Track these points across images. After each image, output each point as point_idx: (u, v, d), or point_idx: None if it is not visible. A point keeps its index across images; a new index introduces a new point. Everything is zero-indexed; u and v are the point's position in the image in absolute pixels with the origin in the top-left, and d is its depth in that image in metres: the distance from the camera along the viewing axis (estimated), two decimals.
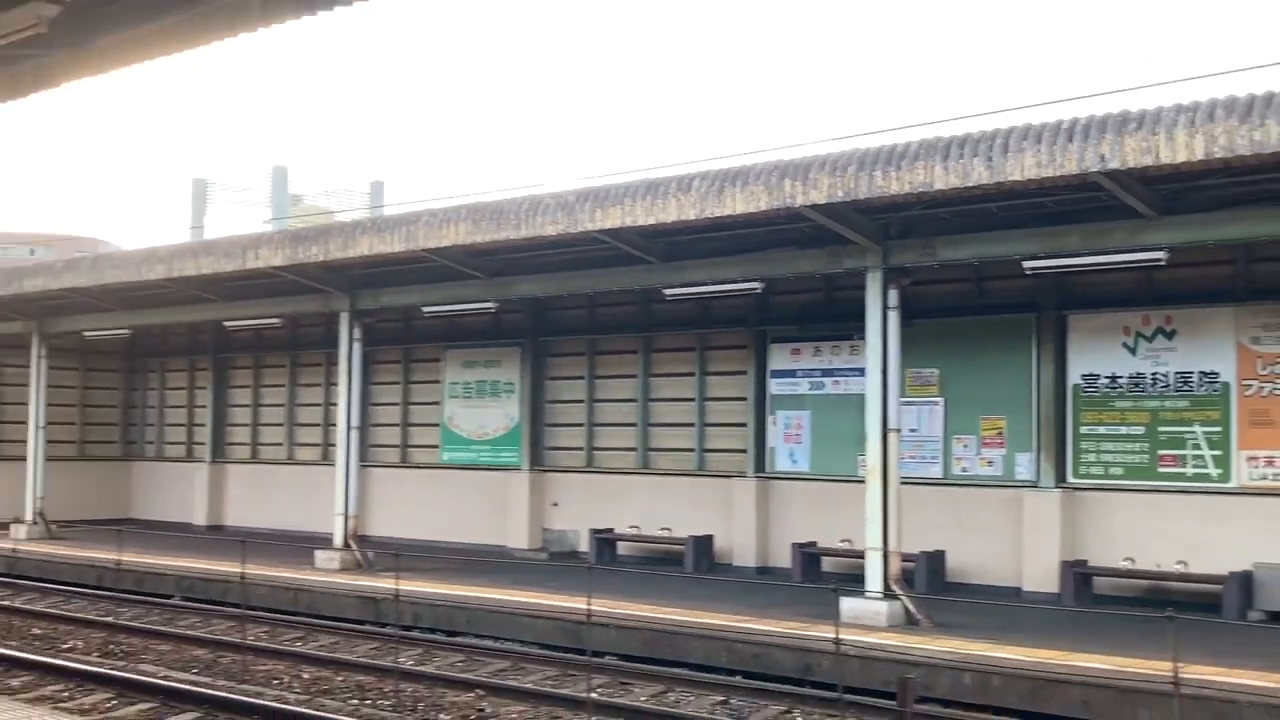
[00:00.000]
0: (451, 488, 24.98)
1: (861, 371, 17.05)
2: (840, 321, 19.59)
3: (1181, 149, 11.90)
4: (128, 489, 31.28)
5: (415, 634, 16.26)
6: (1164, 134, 12.00)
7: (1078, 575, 16.91)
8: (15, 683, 13.85)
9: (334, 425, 23.15)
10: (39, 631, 17.60)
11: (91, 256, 26.12)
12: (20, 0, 6.67)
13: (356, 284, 21.27)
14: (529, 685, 13.68)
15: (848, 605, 14.27)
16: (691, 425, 22.11)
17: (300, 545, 22.49)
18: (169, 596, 20.07)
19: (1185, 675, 9.97)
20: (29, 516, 26.44)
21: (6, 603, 19.45)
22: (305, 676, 14.40)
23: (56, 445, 28.29)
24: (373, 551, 21.17)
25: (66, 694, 13.32)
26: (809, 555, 19.31)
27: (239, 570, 17.07)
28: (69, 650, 16.14)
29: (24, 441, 27.36)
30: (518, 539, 23.59)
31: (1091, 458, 17.67)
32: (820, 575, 18.89)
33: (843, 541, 18.83)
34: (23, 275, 25.26)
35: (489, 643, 15.97)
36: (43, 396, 27.16)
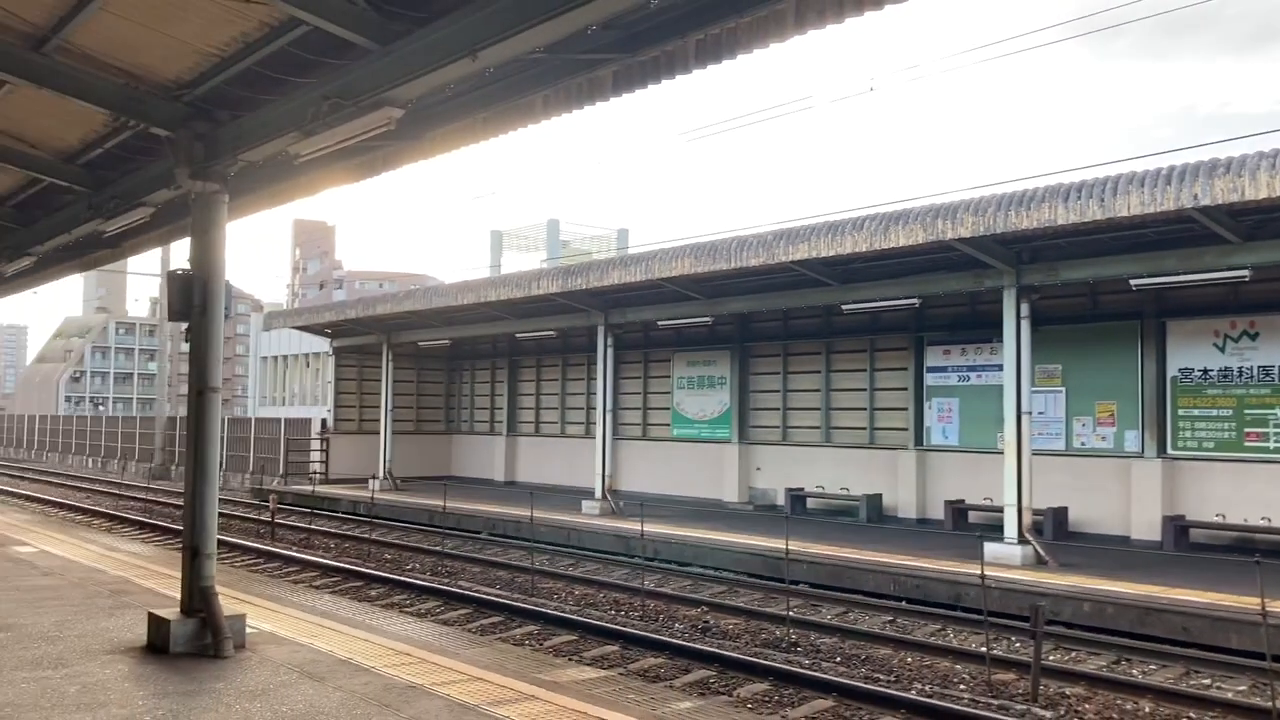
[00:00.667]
0: (679, 456, 25.15)
1: (999, 367, 16.63)
2: (982, 328, 19.07)
3: (1263, 187, 11.23)
4: (449, 454, 32.46)
5: (655, 564, 16.46)
6: (1248, 176, 11.34)
7: (1177, 527, 16.00)
8: (373, 593, 14.59)
9: (594, 409, 23.60)
10: (389, 557, 18.45)
11: (423, 288, 27.22)
12: (377, 105, 6.96)
13: (609, 305, 21.64)
14: (741, 604, 13.70)
15: (989, 549, 13.84)
16: (864, 409, 21.73)
17: (570, 496, 23.00)
18: (478, 533, 20.77)
19: (1271, 608, 9.35)
20: (381, 474, 27.74)
21: (366, 535, 20.40)
22: (576, 593, 14.74)
23: (399, 423, 29.59)
24: (623, 502, 21.49)
25: (409, 601, 13.96)
26: (958, 510, 18.76)
27: (528, 514, 17.60)
28: (410, 570, 16.88)
29: (378, 420, 28.74)
30: (730, 495, 23.60)
31: (1188, 434, 16.67)
32: (967, 526, 18.33)
33: (985, 499, 18.27)
34: (376, 302, 26.57)
35: (710, 572, 16.05)
36: (390, 388, 28.48)
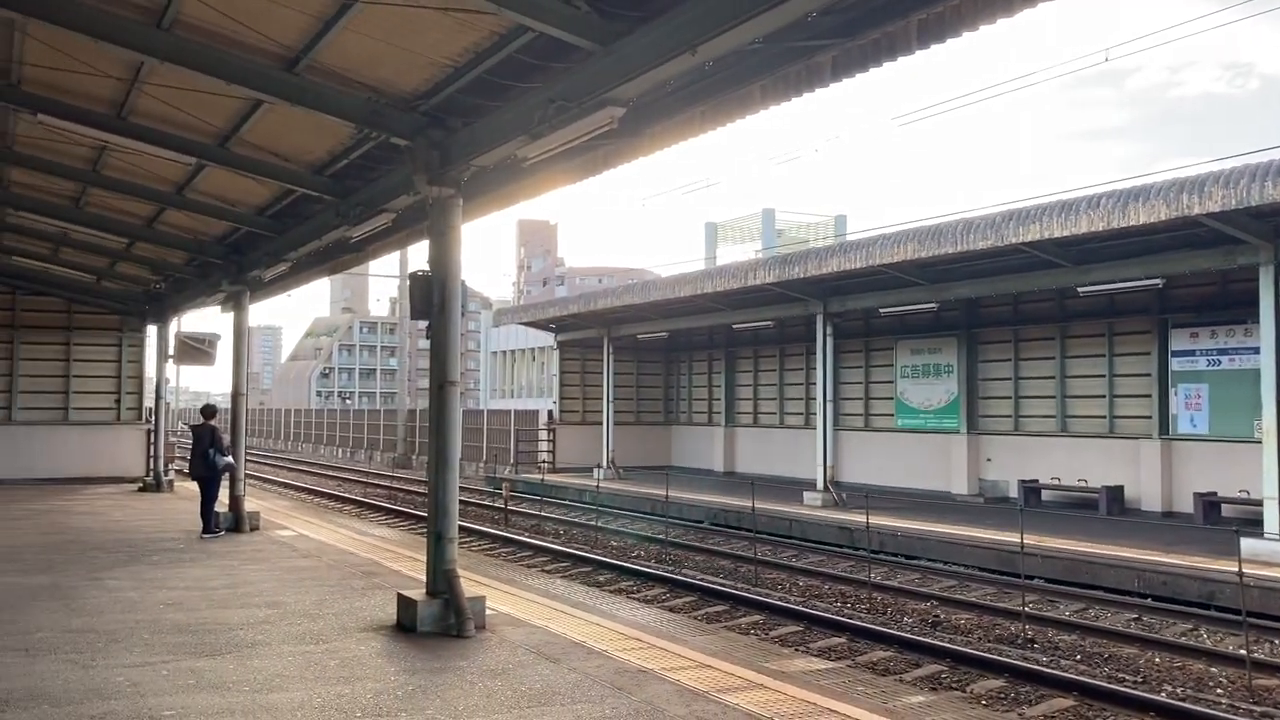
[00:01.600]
0: (904, 446, 24.57)
1: (1256, 350, 15.36)
2: (1234, 309, 17.72)
3: None
4: (668, 444, 32.92)
5: (881, 557, 16.16)
6: None
7: None
8: (601, 578, 15.00)
9: (813, 399, 23.36)
10: (615, 544, 18.91)
11: (640, 283, 27.68)
12: (600, 105, 7.13)
13: (828, 293, 21.36)
14: (973, 599, 13.29)
15: (1247, 544, 12.81)
16: (1102, 397, 20.58)
17: (791, 487, 22.87)
18: (700, 522, 20.97)
19: None
20: (604, 463, 28.44)
21: (593, 522, 20.93)
22: (800, 584, 14.67)
23: (621, 414, 30.24)
24: (845, 493, 21.20)
25: (635, 588, 14.27)
26: (1209, 503, 17.48)
27: (749, 504, 17.63)
28: (635, 557, 17.24)
29: (601, 411, 29.47)
30: (959, 486, 22.87)
31: None
32: (1220, 520, 17.06)
33: (1240, 491, 16.96)
34: (596, 297, 27.24)
35: (939, 565, 15.63)
36: (611, 380, 29.14)
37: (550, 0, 6.64)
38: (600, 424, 29.22)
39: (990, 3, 5.81)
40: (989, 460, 22.72)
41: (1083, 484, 20.06)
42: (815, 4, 5.60)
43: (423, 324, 9.43)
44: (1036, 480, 20.83)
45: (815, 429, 21.95)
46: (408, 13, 7.40)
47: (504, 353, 65.76)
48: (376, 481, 32.57)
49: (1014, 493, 21.22)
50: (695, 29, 6.12)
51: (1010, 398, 22.38)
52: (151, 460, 23.24)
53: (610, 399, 28.95)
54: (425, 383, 9.67)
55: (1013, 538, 12.57)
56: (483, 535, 19.45)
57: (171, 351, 21.81)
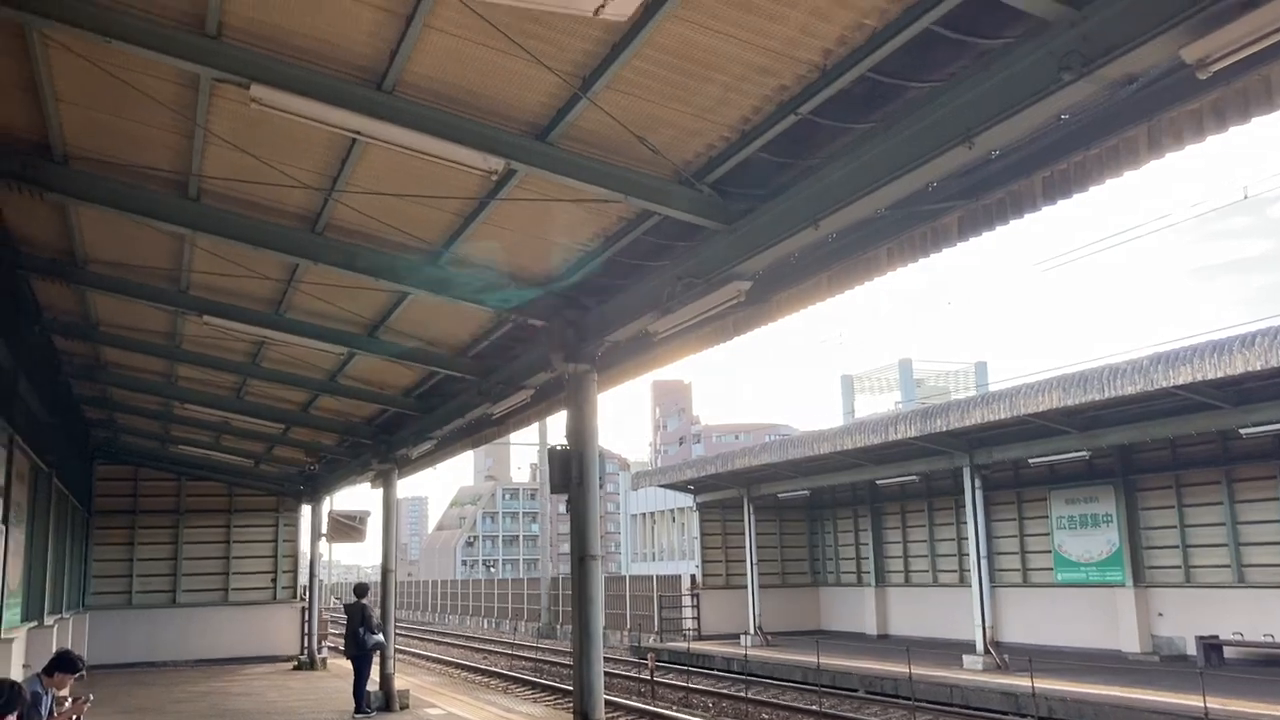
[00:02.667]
0: (1066, 602, 23.28)
1: None
2: None
3: None
4: (816, 607, 31.96)
5: None
6: None
7: None
8: None
9: (966, 554, 22.50)
10: (765, 717, 18.25)
11: (778, 440, 27.51)
12: (726, 280, 7.29)
13: (973, 444, 20.80)
14: None
15: None
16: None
17: (949, 649, 21.83)
18: (854, 690, 20.12)
19: None
20: (751, 629, 27.72)
21: (742, 694, 20.32)
22: None
23: (765, 575, 29.60)
24: (1007, 655, 20.08)
25: None
26: None
27: (905, 670, 16.87)
28: None
29: (744, 574, 28.90)
30: (1128, 643, 21.44)
31: None
32: None
33: None
34: (734, 457, 27.14)
35: None
36: (754, 541, 28.67)
37: (674, 186, 6.90)
38: (745, 587, 28.61)
39: (1115, 158, 5.78)
40: (1160, 615, 21.30)
41: (1269, 639, 18.56)
42: (933, 175, 5.67)
43: (564, 497, 9.56)
44: (1216, 636, 19.37)
45: (970, 587, 21.04)
46: (540, 204, 7.78)
47: (644, 515, 65.67)
48: (522, 653, 32.44)
49: (1191, 650, 19.77)
50: (815, 205, 6.26)
51: (1178, 547, 21.10)
52: (306, 638, 23.73)
53: (753, 561, 28.42)
54: (567, 547, 9.73)
55: (1195, 701, 11.62)
56: (629, 710, 19.04)
57: (325, 530, 22.52)
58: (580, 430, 9.52)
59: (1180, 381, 14.56)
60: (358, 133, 6.43)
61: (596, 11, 3.69)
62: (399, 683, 16.05)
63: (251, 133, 7.12)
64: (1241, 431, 16.69)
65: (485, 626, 53.11)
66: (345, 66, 6.17)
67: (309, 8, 5.75)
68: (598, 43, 5.69)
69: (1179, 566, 21.09)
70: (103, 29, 5.75)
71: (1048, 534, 24.03)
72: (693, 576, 32.23)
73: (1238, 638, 19.11)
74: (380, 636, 15.32)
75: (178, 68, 6.15)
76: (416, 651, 35.08)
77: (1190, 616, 20.41)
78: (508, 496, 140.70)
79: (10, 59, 6.57)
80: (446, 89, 6.26)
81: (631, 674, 24.88)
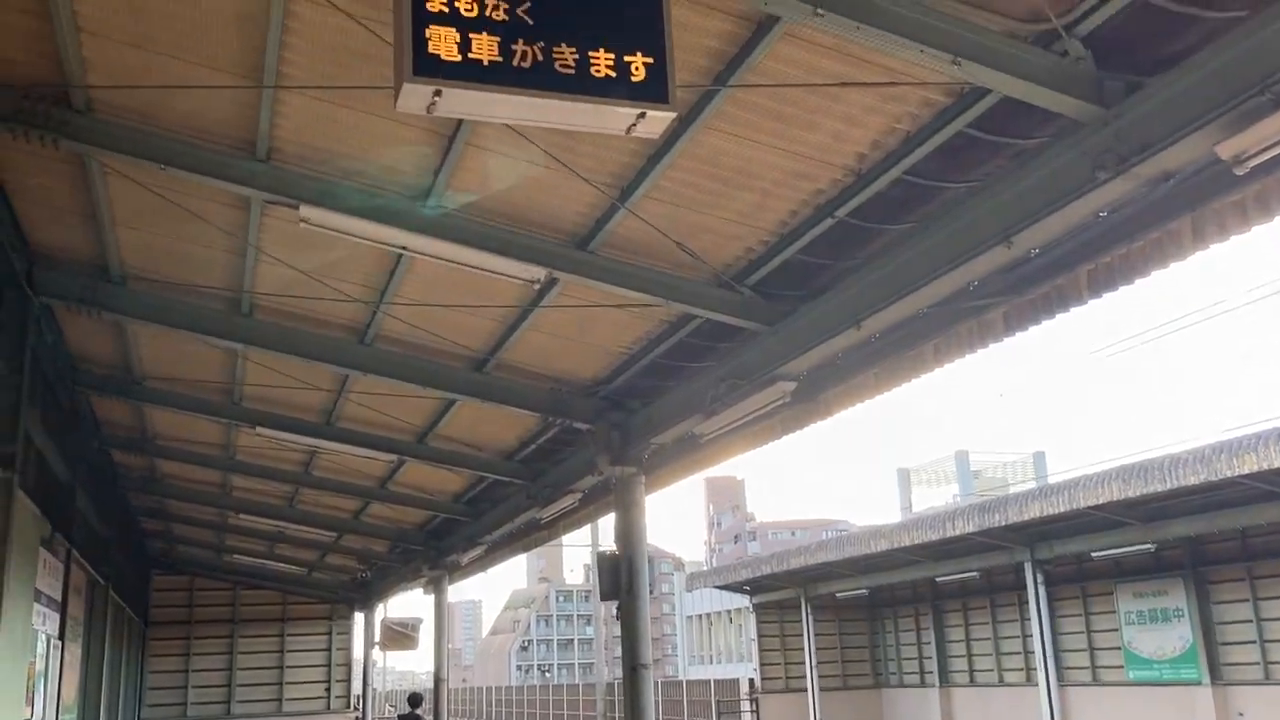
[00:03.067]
0: (1140, 701, 22.35)
1: None
2: None
3: None
4: (879, 709, 30.99)
5: None
6: None
7: None
8: None
9: (1032, 652, 21.81)
10: None
11: (835, 538, 27.13)
12: (770, 382, 7.28)
13: (1034, 538, 20.34)
14: None
15: None
16: None
17: None
18: None
19: None
20: None
21: None
22: None
23: (825, 678, 28.86)
24: None
25: None
26: None
27: None
28: None
29: (804, 677, 28.23)
30: None
31: None
32: None
33: None
34: (789, 556, 26.74)
35: None
36: (812, 642, 28.05)
37: (714, 290, 6.96)
38: (805, 690, 27.90)
39: (1160, 251, 5.73)
40: (1240, 715, 20.37)
41: None
42: (973, 275, 5.66)
43: (615, 605, 9.46)
44: None
45: (1037, 685, 20.35)
46: (582, 309, 7.87)
47: (700, 616, 64.60)
48: None
49: None
50: (857, 305, 6.27)
51: (1255, 642, 20.28)
52: None
53: (813, 663, 27.76)
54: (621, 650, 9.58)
55: None
56: None
57: (378, 638, 22.42)
58: (629, 534, 9.46)
59: (1246, 470, 14.18)
60: (404, 248, 6.58)
61: (628, 130, 3.75)
62: None
63: (302, 249, 7.32)
64: None
65: None
66: (392, 185, 6.35)
67: (355, 131, 5.96)
68: (634, 154, 5.81)
69: (1258, 663, 20.24)
70: (160, 157, 5.99)
71: (1116, 630, 23.21)
72: (751, 680, 31.52)
73: None
74: None
75: (229, 191, 6.37)
76: None
77: (1274, 714, 19.49)
78: (561, 599, 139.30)
79: (71, 187, 6.85)
80: (488, 202, 6.40)
81: None
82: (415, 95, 3.48)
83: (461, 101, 3.54)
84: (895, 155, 5.51)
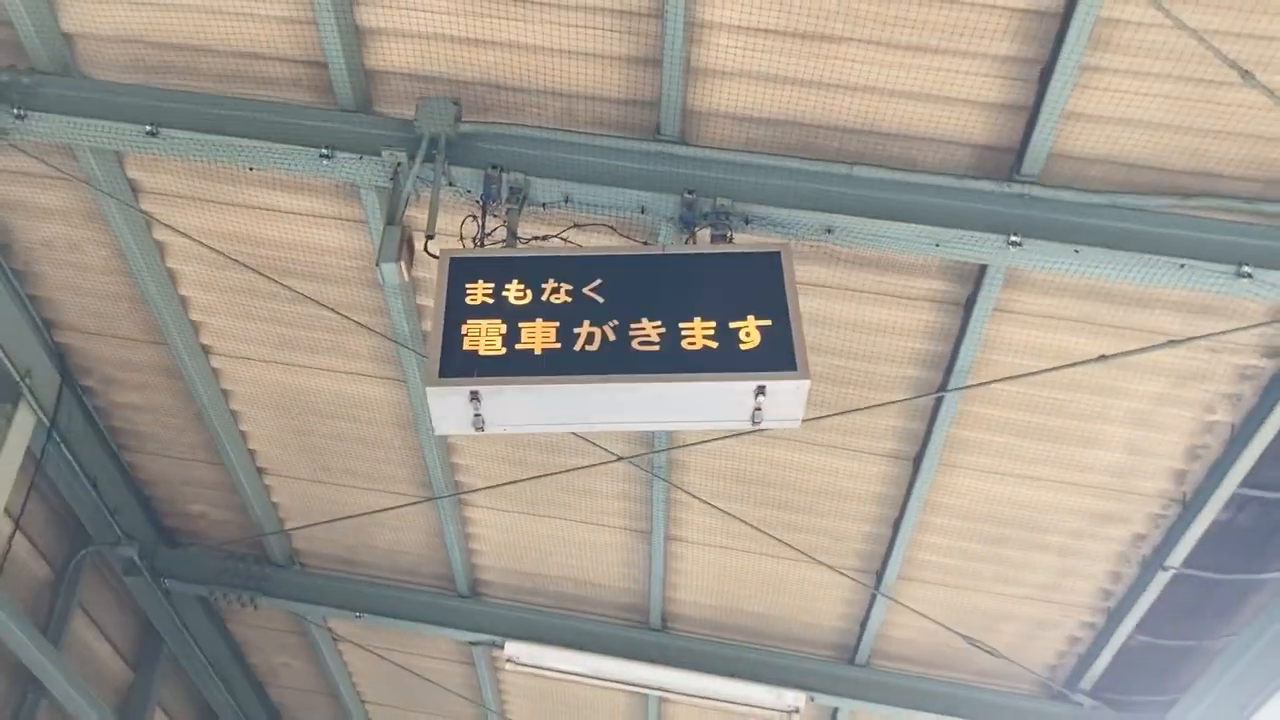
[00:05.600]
0: None
1: None
2: None
3: None
4: None
5: None
6: None
7: None
8: None
9: None
10: None
11: None
12: None
13: None
14: None
15: None
16: None
17: None
18: None
19: None
20: None
21: None
22: None
23: None
24: None
25: None
26: None
27: None
28: None
29: None
30: None
31: None
32: None
33: None
34: None
35: None
36: None
37: (1043, 703, 5.29)
38: None
39: None
40: None
41: None
42: None
43: None
44: None
45: None
46: None
47: None
48: None
49: None
50: (1244, 694, 4.36)
51: None
52: None
53: None
54: None
55: None
56: None
57: None
58: None
59: None
60: (631, 684, 5.47)
61: (753, 420, 2.71)
62: None
63: (543, 706, 6.37)
64: None
65: None
66: (606, 607, 5.43)
67: (562, 545, 5.20)
68: (874, 521, 4.61)
69: None
70: (358, 605, 5.49)
71: None
72: None
73: None
74: None
75: (429, 634, 5.65)
76: None
77: None
78: None
79: (307, 663, 6.47)
80: (718, 614, 5.28)
81: None
82: (449, 406, 2.67)
83: (505, 407, 2.68)
84: (1223, 462, 3.96)
